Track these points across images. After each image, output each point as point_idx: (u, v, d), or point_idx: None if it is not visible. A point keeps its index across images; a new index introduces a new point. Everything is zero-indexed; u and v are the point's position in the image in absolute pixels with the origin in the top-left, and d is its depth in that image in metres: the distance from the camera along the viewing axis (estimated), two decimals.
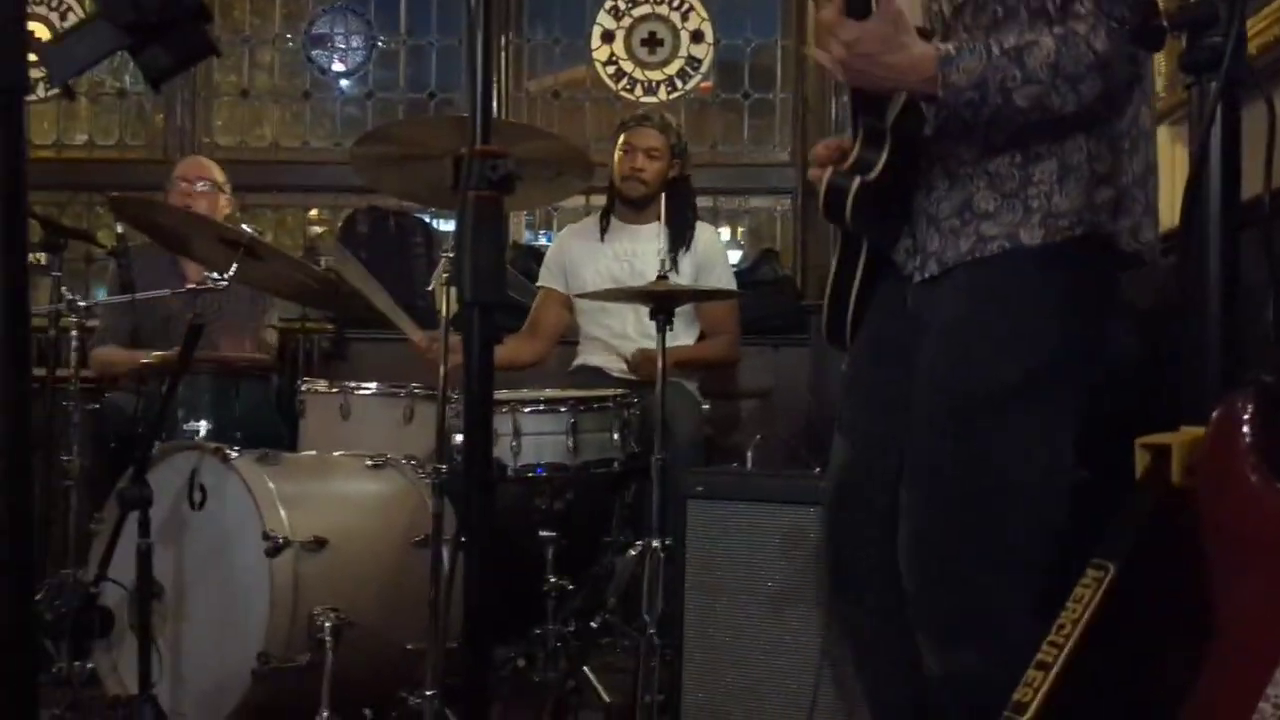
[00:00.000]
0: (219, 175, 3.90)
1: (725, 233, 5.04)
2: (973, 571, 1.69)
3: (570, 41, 4.95)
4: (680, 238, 3.60)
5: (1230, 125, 1.25)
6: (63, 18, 4.92)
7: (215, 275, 3.03)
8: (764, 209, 4.98)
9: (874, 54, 1.61)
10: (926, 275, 1.77)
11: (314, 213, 5.11)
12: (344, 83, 5.07)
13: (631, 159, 3.62)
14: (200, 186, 3.81)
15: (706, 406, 3.67)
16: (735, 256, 4.88)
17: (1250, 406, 1.21)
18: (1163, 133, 2.56)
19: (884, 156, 1.74)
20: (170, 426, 3.10)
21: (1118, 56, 1.61)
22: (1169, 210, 1.78)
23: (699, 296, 3.49)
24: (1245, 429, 1.21)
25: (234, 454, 2.57)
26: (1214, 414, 1.24)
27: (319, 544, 2.53)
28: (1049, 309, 1.71)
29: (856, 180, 1.74)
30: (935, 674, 1.72)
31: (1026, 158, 1.70)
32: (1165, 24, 1.22)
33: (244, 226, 2.93)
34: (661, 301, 2.79)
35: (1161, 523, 1.24)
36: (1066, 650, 1.16)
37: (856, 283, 1.88)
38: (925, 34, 1.74)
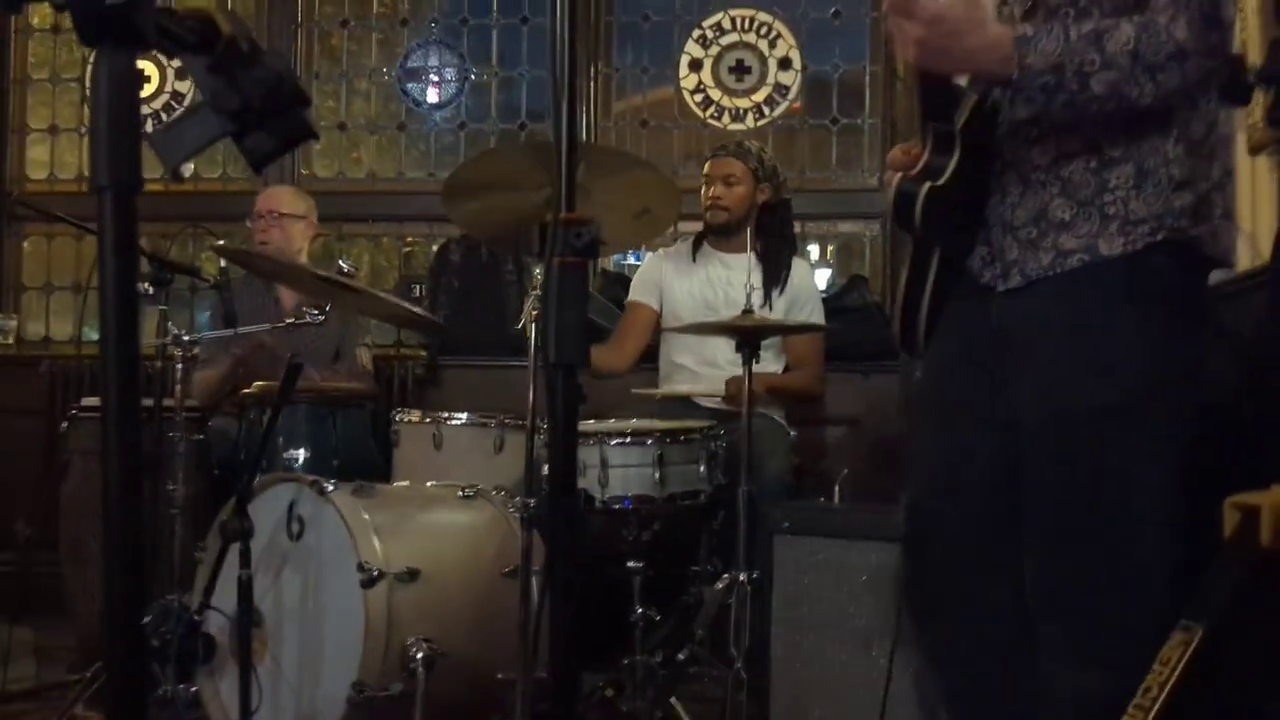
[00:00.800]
0: (289, 205, 3.98)
1: (814, 250, 5.03)
2: (1100, 591, 1.66)
3: (659, 70, 4.99)
4: (774, 275, 3.60)
5: None
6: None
7: (312, 310, 3.13)
8: (853, 234, 4.97)
9: (953, 33, 1.58)
10: (1010, 286, 1.75)
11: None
12: (437, 114, 5.16)
13: (711, 188, 3.65)
14: (271, 219, 3.91)
15: (794, 434, 3.67)
16: (825, 277, 4.87)
17: None
18: (1262, 163, 2.52)
19: (954, 161, 1.73)
20: (270, 455, 3.20)
21: (1198, 48, 1.57)
22: (1266, 240, 1.75)
23: (784, 331, 3.49)
24: None
25: (330, 487, 2.64)
26: None
27: (412, 575, 2.58)
28: (1138, 324, 1.67)
29: (926, 185, 1.73)
30: (1062, 693, 1.68)
31: (1101, 162, 1.67)
32: (1251, 79, 1.20)
33: (340, 263, 3.00)
34: (748, 336, 2.81)
35: (1254, 585, 1.22)
36: (1153, 714, 1.15)
37: (929, 290, 1.84)
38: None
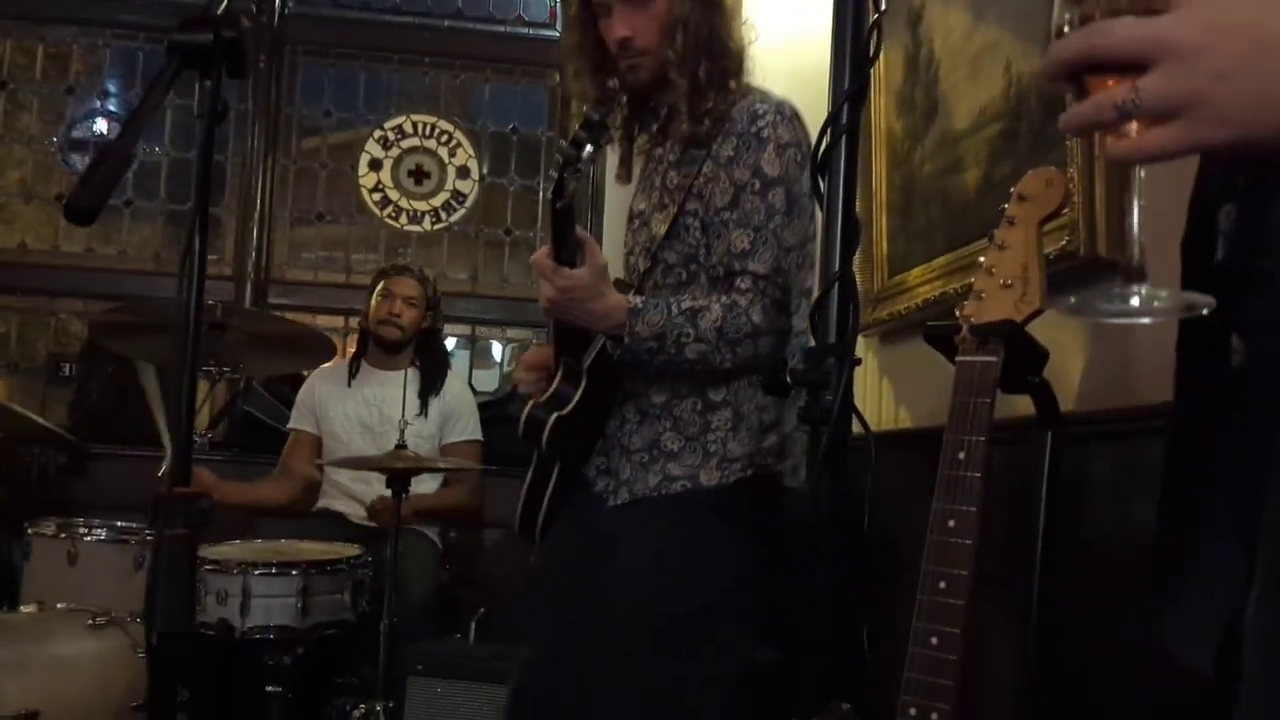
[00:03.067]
0: None
1: (497, 349, 5.18)
2: None
3: (337, 166, 5.03)
4: (431, 385, 3.75)
5: (838, 477, 1.49)
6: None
7: None
8: (522, 340, 5.16)
9: (580, 300, 1.84)
10: (619, 501, 1.99)
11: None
12: None
13: (390, 304, 3.75)
14: None
15: (451, 538, 3.80)
16: (494, 380, 5.04)
17: None
18: None
19: (579, 394, 1.97)
20: None
21: (770, 328, 1.90)
22: None
23: (435, 469, 3.62)
24: None
25: None
26: None
27: (30, 717, 2.51)
28: (724, 543, 1.95)
29: (554, 416, 1.96)
30: None
31: (706, 405, 1.97)
32: (789, 379, 1.45)
33: None
34: (399, 475, 2.92)
35: None
36: None
37: (550, 489, 2.08)
38: (624, 286, 1.97)
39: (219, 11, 1.23)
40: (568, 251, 1.86)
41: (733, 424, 1.97)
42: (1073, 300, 0.79)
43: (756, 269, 1.91)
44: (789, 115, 1.98)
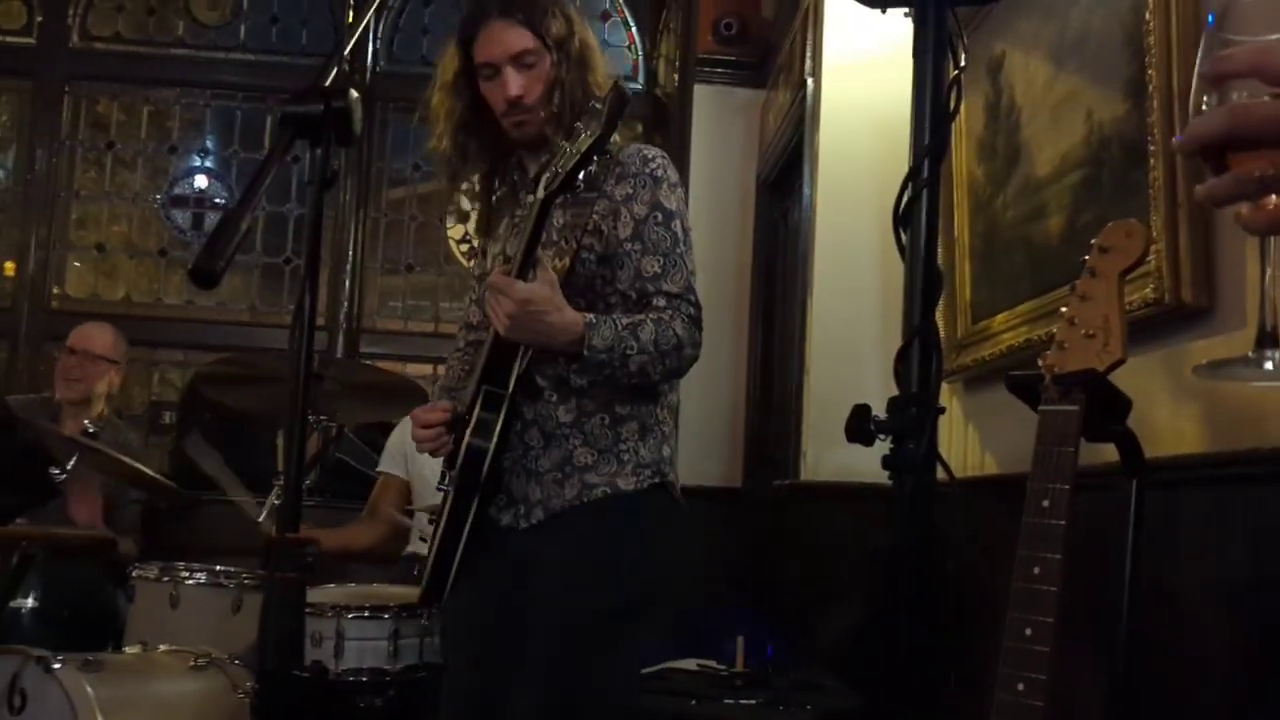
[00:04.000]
0: (101, 347, 3.98)
1: None
2: None
3: (425, 218, 5.17)
4: None
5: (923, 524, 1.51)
6: None
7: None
8: None
9: (540, 313, 1.90)
10: (533, 521, 2.08)
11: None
12: (200, 242, 5.17)
13: None
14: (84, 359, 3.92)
15: None
16: None
17: None
18: None
19: (500, 420, 2.01)
20: None
21: (690, 341, 2.03)
22: None
23: None
24: None
25: (57, 664, 2.64)
26: None
27: None
28: (642, 542, 2.08)
29: (493, 442, 2.00)
30: None
31: (614, 419, 2.09)
32: (873, 428, 1.48)
33: (85, 422, 3.02)
34: None
35: None
36: None
37: (464, 537, 2.08)
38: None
39: (328, 83, 1.31)
40: (521, 270, 1.96)
41: (640, 434, 2.09)
42: (1206, 365, 0.85)
43: (670, 289, 2.05)
44: (669, 160, 2.18)
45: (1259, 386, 0.81)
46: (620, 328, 1.96)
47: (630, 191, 2.11)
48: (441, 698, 2.25)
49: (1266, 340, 0.81)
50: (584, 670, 1.99)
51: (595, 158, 1.94)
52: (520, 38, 2.13)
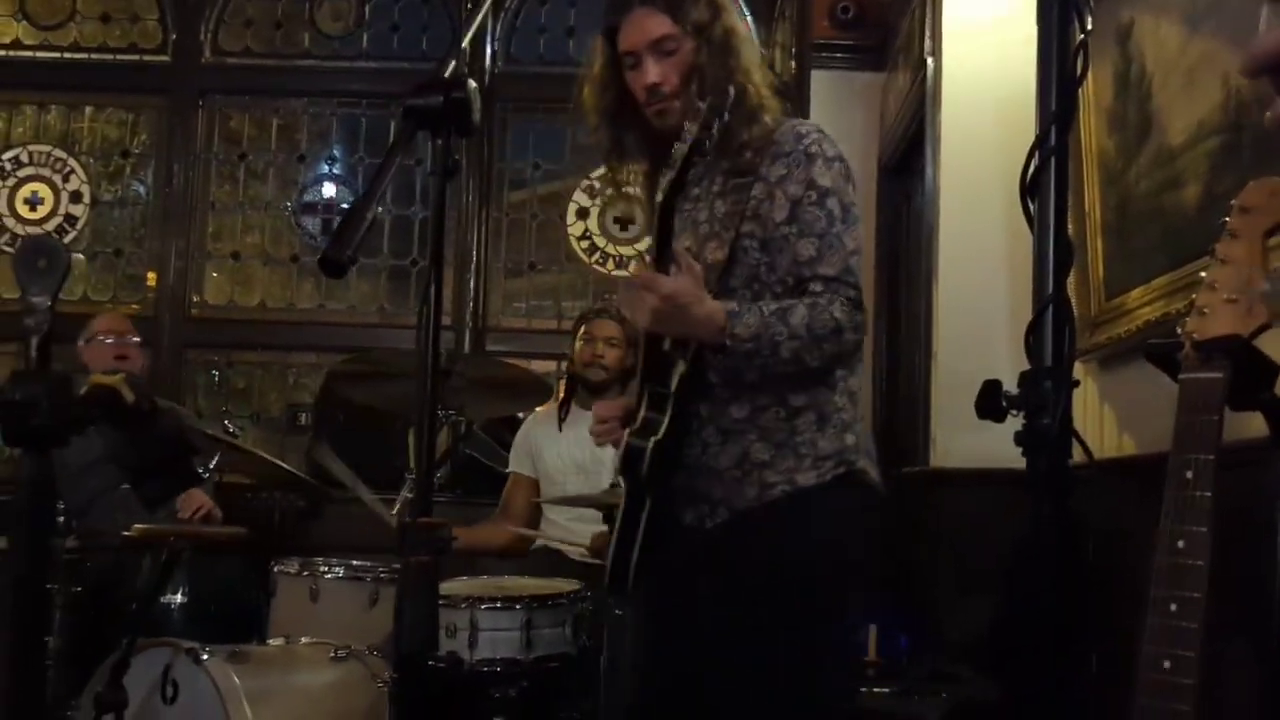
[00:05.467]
0: (130, 328, 4.09)
1: None
2: None
3: (546, 217, 5.22)
4: None
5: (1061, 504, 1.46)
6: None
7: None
8: None
9: (684, 305, 1.86)
10: (718, 521, 2.03)
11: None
12: None
13: (592, 347, 3.86)
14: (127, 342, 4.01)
15: None
16: None
17: None
18: None
19: (667, 419, 1.98)
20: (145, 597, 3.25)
21: (850, 324, 1.95)
22: None
23: None
24: None
25: (205, 655, 2.74)
26: None
27: None
28: (833, 539, 2.01)
29: (652, 441, 1.97)
30: None
31: (790, 411, 2.01)
32: (1004, 403, 1.44)
33: (226, 424, 3.12)
34: (614, 510, 2.98)
35: None
36: None
37: (641, 533, 2.07)
38: None
39: (447, 75, 1.33)
40: (664, 263, 1.94)
41: (817, 424, 2.02)
42: None
43: (826, 272, 1.97)
44: (828, 134, 2.10)
45: None
46: (767, 314, 1.91)
47: (785, 172, 2.04)
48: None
49: None
50: (786, 644, 1.95)
51: (695, 159, 1.91)
52: (659, 24, 2.07)
